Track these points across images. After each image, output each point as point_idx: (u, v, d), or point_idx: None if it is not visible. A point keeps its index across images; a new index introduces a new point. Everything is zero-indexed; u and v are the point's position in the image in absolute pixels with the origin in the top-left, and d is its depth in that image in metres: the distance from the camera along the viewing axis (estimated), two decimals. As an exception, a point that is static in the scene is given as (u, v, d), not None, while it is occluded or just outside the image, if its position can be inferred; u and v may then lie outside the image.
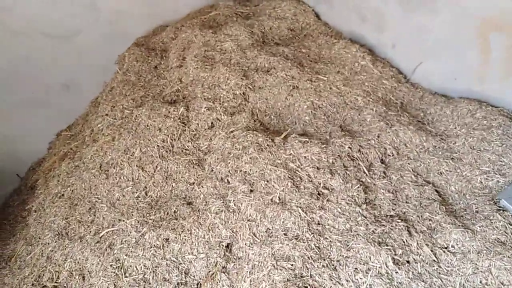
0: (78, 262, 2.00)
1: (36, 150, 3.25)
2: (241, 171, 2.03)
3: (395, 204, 1.88)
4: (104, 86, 3.08)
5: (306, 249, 1.72)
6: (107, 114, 2.61)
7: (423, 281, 1.62)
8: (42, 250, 2.14)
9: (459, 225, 1.74)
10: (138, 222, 1.99)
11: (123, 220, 2.03)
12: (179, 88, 2.59)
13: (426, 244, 1.72)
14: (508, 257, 1.61)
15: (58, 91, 3.19)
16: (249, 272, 1.71)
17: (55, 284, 1.95)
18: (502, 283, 1.57)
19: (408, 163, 2.05)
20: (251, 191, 1.94)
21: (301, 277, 1.65)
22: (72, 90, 3.23)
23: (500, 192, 1.83)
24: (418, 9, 2.37)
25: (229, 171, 2.04)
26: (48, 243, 2.13)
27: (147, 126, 2.33)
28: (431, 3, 2.29)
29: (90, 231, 2.09)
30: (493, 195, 1.85)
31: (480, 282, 1.60)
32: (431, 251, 1.70)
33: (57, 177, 2.46)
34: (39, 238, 2.21)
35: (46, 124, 3.22)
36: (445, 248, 1.71)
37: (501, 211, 1.76)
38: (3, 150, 3.18)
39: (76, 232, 2.12)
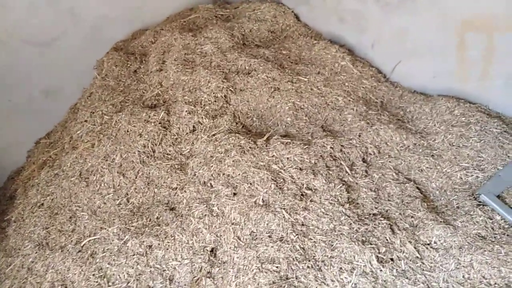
0: (60, 273, 1.95)
1: (15, 159, 3.17)
2: (224, 174, 2.01)
3: (377, 203, 1.89)
4: (82, 92, 3.03)
5: (291, 251, 1.71)
6: (86, 121, 2.56)
7: (407, 278, 1.64)
8: (23, 262, 2.09)
9: (440, 221, 1.76)
10: (120, 229, 1.96)
11: (105, 228, 2.00)
12: (160, 92, 2.56)
13: (409, 241, 1.73)
14: (489, 251, 1.63)
15: (38, 98, 3.14)
16: (234, 276, 1.70)
17: (36, 296, 1.91)
18: (484, 277, 1.60)
19: (389, 161, 2.06)
20: (235, 194, 1.93)
21: (287, 279, 1.65)
22: (52, 97, 3.18)
23: (479, 187, 1.86)
24: (397, 10, 2.40)
25: (212, 175, 2.03)
26: (29, 254, 2.08)
27: (127, 131, 2.30)
28: (409, 4, 2.32)
29: (71, 241, 2.05)
30: (473, 190, 1.87)
31: (463, 276, 1.62)
32: (414, 248, 1.71)
33: (36, 186, 2.41)
34: (19, 249, 2.15)
35: (25, 132, 3.15)
36: (428, 244, 1.73)
37: (481, 206, 1.79)
38: (-20, 160, 3.11)
39: (57, 242, 2.08)
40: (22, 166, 3.10)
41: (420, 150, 2.07)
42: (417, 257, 1.70)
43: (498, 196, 1.80)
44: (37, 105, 3.15)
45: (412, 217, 1.82)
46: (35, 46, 2.93)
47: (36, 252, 2.07)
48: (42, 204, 2.29)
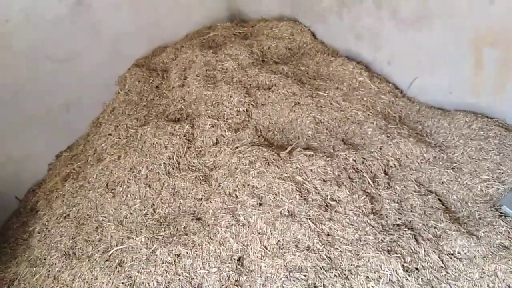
0: (87, 282, 1.99)
1: (35, 172, 3.23)
2: (248, 185, 2.07)
3: (400, 214, 1.93)
4: (104, 106, 3.12)
5: (317, 260, 1.75)
6: (110, 134, 2.63)
7: (432, 287, 1.66)
8: (49, 271, 2.13)
9: (463, 232, 1.80)
10: (148, 238, 2.01)
11: (133, 238, 2.04)
12: (183, 106, 2.64)
13: (433, 251, 1.76)
14: (513, 260, 1.66)
15: (58, 112, 3.21)
16: (262, 285, 1.73)
17: (65, 304, 1.94)
18: (509, 286, 1.62)
19: (411, 174, 2.11)
20: (260, 204, 1.98)
21: (315, 287, 1.68)
22: (72, 111, 3.25)
23: (501, 198, 1.90)
24: (412, 26, 2.48)
25: (237, 186, 2.08)
26: (55, 264, 2.13)
27: (153, 144, 2.37)
28: (424, 20, 2.40)
29: (98, 250, 2.09)
30: (494, 202, 1.91)
31: (488, 286, 1.64)
32: (439, 257, 1.75)
33: (61, 197, 2.46)
34: (45, 259, 2.20)
35: (45, 146, 3.21)
36: (452, 254, 1.76)
37: (503, 216, 1.83)
38: (1, 172, 3.16)
39: (84, 252, 2.12)
40: (43, 179, 3.16)
41: (440, 163, 2.12)
42: (442, 266, 1.73)
43: (520, 208, 1.84)
44: (56, 118, 3.22)
45: (435, 227, 1.86)
46: (56, 61, 3.02)
47: (63, 262, 2.11)
48: (68, 215, 2.34)
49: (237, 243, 1.88)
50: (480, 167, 2.05)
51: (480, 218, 1.87)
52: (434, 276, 1.70)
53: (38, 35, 2.86)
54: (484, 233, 1.79)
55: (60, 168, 2.92)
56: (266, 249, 1.84)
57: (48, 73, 3.03)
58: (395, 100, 2.55)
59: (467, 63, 2.30)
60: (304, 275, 1.71)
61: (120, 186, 2.28)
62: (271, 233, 1.87)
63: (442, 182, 2.06)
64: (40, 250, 2.27)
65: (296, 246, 1.81)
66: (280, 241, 1.85)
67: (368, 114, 2.40)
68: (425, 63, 2.53)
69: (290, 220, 1.88)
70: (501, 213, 1.85)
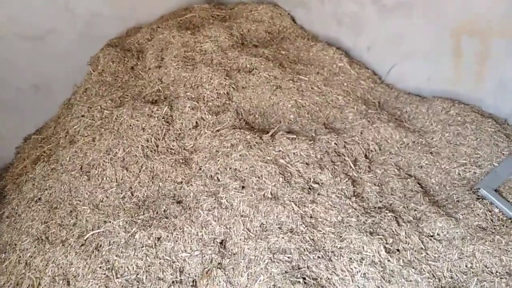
0: (61, 267, 1.91)
1: (1, 155, 3.08)
2: (231, 168, 2.03)
3: (381, 196, 1.96)
4: (75, 88, 2.99)
5: (301, 242, 1.75)
6: (83, 115, 2.53)
7: (413, 267, 1.69)
8: (20, 256, 2.03)
9: (442, 214, 1.84)
10: (126, 222, 1.94)
11: (110, 221, 1.97)
12: (160, 88, 2.56)
13: (413, 233, 1.79)
14: (490, 241, 1.71)
15: (26, 94, 3.07)
16: (246, 267, 1.71)
17: (37, 290, 1.86)
18: (486, 266, 1.68)
19: (391, 158, 2.14)
20: (243, 187, 1.95)
21: (299, 268, 1.68)
22: (41, 92, 3.12)
23: (478, 182, 1.95)
24: (393, 13, 2.50)
25: (218, 169, 2.04)
26: (27, 249, 2.03)
27: (130, 125, 2.29)
28: (405, 8, 2.42)
29: (73, 234, 2.01)
30: (471, 185, 1.96)
31: (466, 266, 1.69)
32: (419, 239, 1.78)
33: (32, 181, 2.35)
34: (15, 245, 2.10)
35: (11, 128, 3.08)
36: (431, 236, 1.80)
37: (481, 199, 1.88)
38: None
39: (58, 236, 2.04)
40: (10, 163, 3.02)
41: (419, 148, 2.16)
42: (422, 248, 1.76)
43: (496, 191, 1.89)
44: (24, 100, 3.09)
45: (415, 210, 1.89)
46: (26, 40, 2.88)
47: (35, 247, 2.02)
48: (40, 198, 2.24)
49: (219, 226, 1.85)
50: (458, 152, 2.10)
51: (458, 201, 1.91)
52: (415, 257, 1.73)
53: (7, 11, 2.71)
54: (462, 215, 1.84)
55: (29, 151, 2.79)
56: (249, 231, 1.82)
57: (17, 52, 2.89)
58: (374, 86, 2.57)
59: (446, 51, 2.34)
60: (288, 257, 1.70)
61: (95, 169, 2.20)
62: (254, 216, 1.85)
63: (421, 166, 2.10)
64: (10, 235, 2.16)
65: (280, 228, 1.80)
66: (263, 224, 1.83)
67: (349, 99, 2.41)
68: (404, 50, 2.55)
69: (273, 202, 1.86)
70: (478, 196, 1.90)
